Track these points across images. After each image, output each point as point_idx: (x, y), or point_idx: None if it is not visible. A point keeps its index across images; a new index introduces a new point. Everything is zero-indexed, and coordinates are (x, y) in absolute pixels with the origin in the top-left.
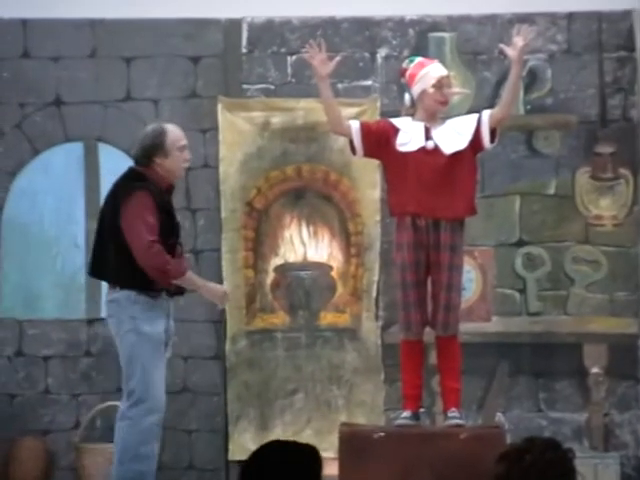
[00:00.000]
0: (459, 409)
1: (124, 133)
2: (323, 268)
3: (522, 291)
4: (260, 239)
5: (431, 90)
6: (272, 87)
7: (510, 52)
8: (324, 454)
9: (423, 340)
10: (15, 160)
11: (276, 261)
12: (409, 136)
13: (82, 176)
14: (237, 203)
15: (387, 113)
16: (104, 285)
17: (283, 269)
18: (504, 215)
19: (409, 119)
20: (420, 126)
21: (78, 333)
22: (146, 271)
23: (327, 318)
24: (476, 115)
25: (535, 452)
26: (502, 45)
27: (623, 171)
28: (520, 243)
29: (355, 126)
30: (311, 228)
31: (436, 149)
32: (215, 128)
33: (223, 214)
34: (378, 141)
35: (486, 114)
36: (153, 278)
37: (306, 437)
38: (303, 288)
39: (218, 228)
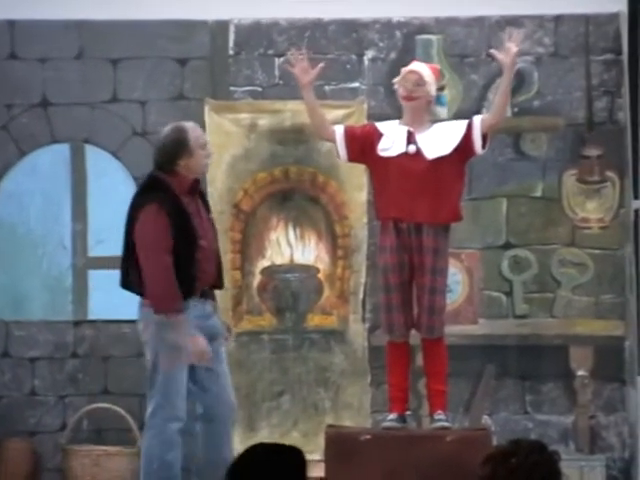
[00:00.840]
0: (445, 411)
1: (111, 135)
2: (310, 270)
3: (508, 294)
4: (247, 241)
5: (397, 86)
6: (259, 89)
7: (502, 58)
8: (310, 456)
9: (409, 342)
10: (1, 161)
11: (263, 263)
12: (391, 141)
13: (69, 178)
14: (224, 205)
15: (374, 115)
16: (91, 287)
17: (270, 271)
18: (491, 218)
19: (395, 123)
20: (403, 130)
21: (65, 335)
22: (147, 286)
23: (314, 320)
24: (466, 121)
25: (521, 454)
26: (493, 50)
27: (610, 174)
28: (507, 246)
29: (339, 132)
30: (298, 230)
31: (418, 154)
32: (202, 130)
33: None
34: (362, 146)
35: (478, 119)
36: (148, 293)
37: (293, 439)
38: (290, 290)
39: None
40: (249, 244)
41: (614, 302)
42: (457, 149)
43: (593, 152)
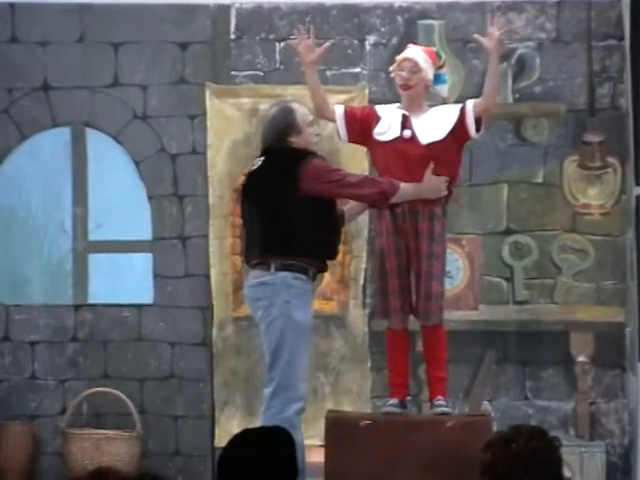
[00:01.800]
0: (445, 397)
1: (112, 118)
2: None
3: (509, 279)
4: None
5: (394, 74)
6: (261, 74)
7: (487, 43)
8: (310, 441)
9: (407, 328)
10: (2, 145)
11: None
12: (387, 125)
13: (69, 161)
14: (225, 189)
15: (375, 100)
16: (91, 270)
17: None
18: (492, 203)
19: (394, 107)
20: (399, 114)
21: (65, 319)
22: (368, 202)
23: (314, 305)
24: (459, 105)
25: (521, 440)
26: (477, 36)
27: (611, 160)
28: (508, 231)
29: (339, 112)
30: None
31: (413, 138)
32: (203, 114)
33: (211, 200)
34: (362, 128)
35: (470, 104)
36: (374, 204)
37: None
38: None
39: (206, 214)
40: None
41: (615, 288)
42: (452, 134)
43: (595, 138)
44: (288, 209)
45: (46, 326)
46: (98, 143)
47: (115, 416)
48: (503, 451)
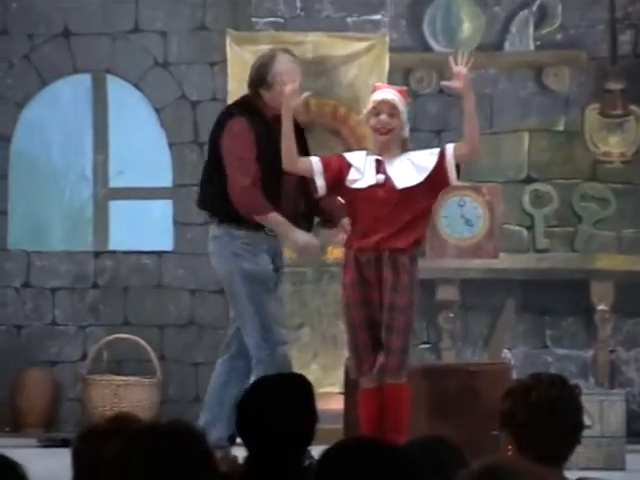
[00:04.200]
0: None
1: (132, 65)
2: None
3: (530, 228)
4: None
5: (369, 116)
6: (281, 20)
7: (456, 84)
8: (330, 389)
9: (377, 388)
10: (23, 91)
11: None
12: (360, 172)
13: (90, 108)
14: None
15: (396, 48)
16: (111, 217)
17: None
18: (512, 152)
19: (363, 153)
20: (372, 161)
21: (85, 265)
22: (233, 201)
23: (334, 253)
24: (437, 150)
25: (541, 389)
26: (444, 82)
27: (633, 108)
28: (528, 180)
29: (316, 164)
30: None
31: (388, 183)
32: (224, 61)
33: None
34: (338, 177)
35: (451, 149)
36: (236, 207)
37: (312, 372)
38: None
39: None
40: None
41: (635, 237)
42: (429, 179)
43: (616, 86)
44: (217, 162)
45: (66, 272)
46: (119, 90)
47: (135, 363)
48: (523, 400)
